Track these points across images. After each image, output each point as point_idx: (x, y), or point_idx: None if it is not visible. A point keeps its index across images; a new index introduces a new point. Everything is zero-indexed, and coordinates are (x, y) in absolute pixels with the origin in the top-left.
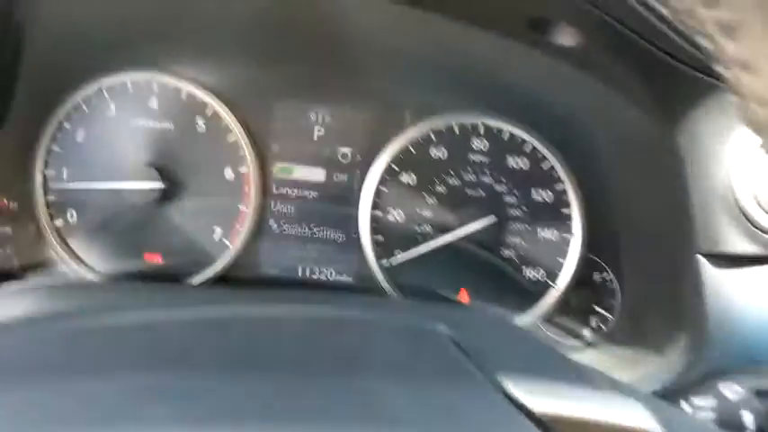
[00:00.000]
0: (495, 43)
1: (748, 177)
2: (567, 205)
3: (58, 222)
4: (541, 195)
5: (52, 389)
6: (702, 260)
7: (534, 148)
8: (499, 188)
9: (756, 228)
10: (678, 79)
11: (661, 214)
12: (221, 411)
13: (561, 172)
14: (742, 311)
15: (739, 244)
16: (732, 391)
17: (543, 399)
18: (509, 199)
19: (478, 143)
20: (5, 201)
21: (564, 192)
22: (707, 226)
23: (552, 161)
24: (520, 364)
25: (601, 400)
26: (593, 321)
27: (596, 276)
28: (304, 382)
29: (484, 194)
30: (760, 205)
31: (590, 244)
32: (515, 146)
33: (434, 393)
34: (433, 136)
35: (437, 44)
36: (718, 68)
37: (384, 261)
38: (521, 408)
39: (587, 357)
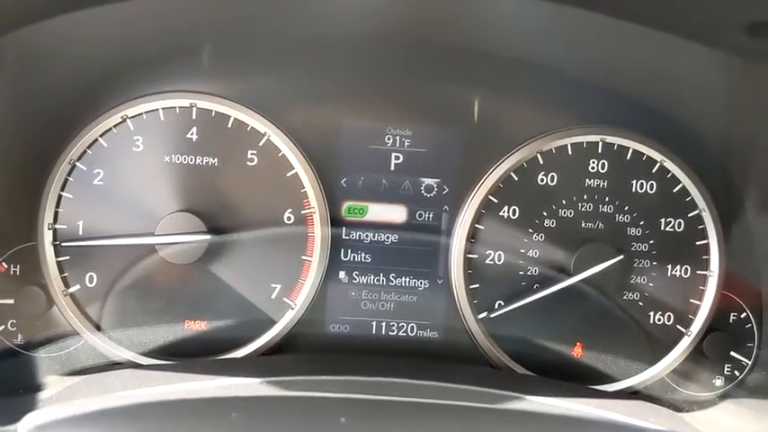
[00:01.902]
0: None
1: None
2: (704, 236)
3: (75, 289)
4: (672, 225)
5: None
6: None
7: (663, 168)
8: (622, 219)
9: None
10: None
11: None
12: None
13: (697, 196)
14: None
15: None
16: None
17: None
18: (633, 231)
19: (596, 165)
20: (4, 265)
21: (699, 220)
22: None
23: (686, 183)
24: None
25: None
26: (727, 369)
27: (732, 317)
28: None
29: (603, 227)
30: None
31: (728, 283)
32: (641, 167)
33: None
34: (540, 159)
35: (589, 51)
36: None
37: (482, 314)
38: None
39: (720, 410)
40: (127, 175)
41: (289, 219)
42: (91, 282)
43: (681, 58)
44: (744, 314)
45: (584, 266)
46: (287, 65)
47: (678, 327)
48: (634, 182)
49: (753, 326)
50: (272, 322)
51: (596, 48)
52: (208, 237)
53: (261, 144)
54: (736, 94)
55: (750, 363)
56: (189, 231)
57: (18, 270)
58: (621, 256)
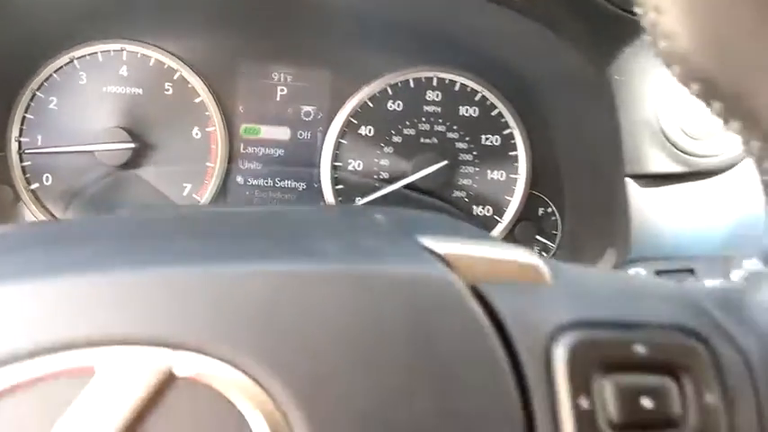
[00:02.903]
0: None
1: (671, 106)
2: (515, 149)
3: (35, 186)
4: (491, 140)
5: None
6: (630, 182)
7: (484, 96)
8: (451, 135)
9: (677, 149)
10: (610, 20)
11: (596, 147)
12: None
13: (509, 118)
14: (662, 224)
15: (663, 164)
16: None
17: (449, 244)
18: (460, 145)
19: (432, 95)
20: None
21: (511, 136)
22: (635, 151)
23: (500, 108)
24: (443, 231)
25: (500, 247)
26: (536, 250)
27: (540, 211)
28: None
29: (437, 142)
30: (681, 130)
31: (534, 182)
32: (466, 96)
33: (358, 240)
34: (389, 90)
35: (391, 2)
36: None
37: None
38: (428, 250)
39: None
40: (74, 101)
41: (197, 134)
42: (47, 181)
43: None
44: (549, 209)
45: (419, 169)
46: (187, 18)
47: (495, 217)
48: (461, 107)
49: (557, 218)
50: None
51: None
52: (132, 145)
53: (174, 78)
54: (529, 36)
55: (555, 246)
56: (119, 141)
57: None
58: (446, 162)
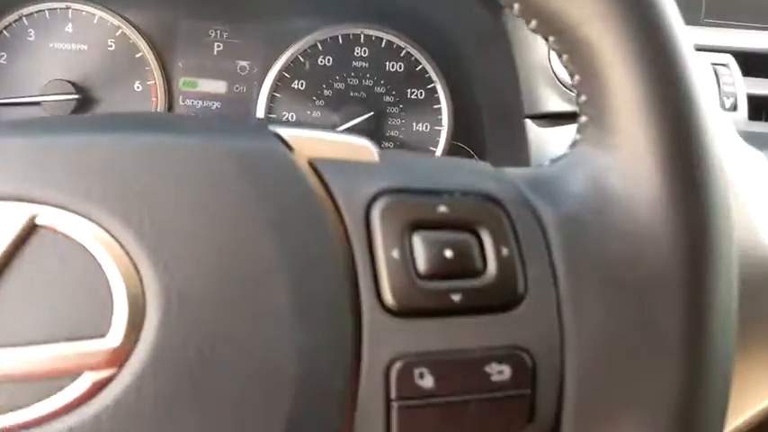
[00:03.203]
0: None
1: None
2: (438, 102)
3: None
4: (416, 94)
5: None
6: (528, 122)
7: (408, 53)
8: (379, 90)
9: (566, 87)
10: None
11: (503, 94)
12: None
13: (432, 73)
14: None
15: (556, 104)
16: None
17: (294, 129)
18: (387, 98)
19: (360, 51)
20: None
21: (435, 90)
22: (531, 93)
23: (424, 64)
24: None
25: (338, 134)
26: None
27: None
28: None
29: (365, 96)
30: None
31: (456, 133)
32: (392, 52)
33: (213, 124)
34: (319, 46)
35: None
36: None
37: None
38: (275, 133)
39: None
40: (23, 56)
41: (138, 87)
42: None
43: None
44: (472, 158)
45: (346, 120)
46: None
47: None
48: (387, 63)
49: None
50: None
51: None
52: (77, 96)
53: (117, 35)
54: None
55: None
56: (64, 93)
57: None
58: (372, 113)
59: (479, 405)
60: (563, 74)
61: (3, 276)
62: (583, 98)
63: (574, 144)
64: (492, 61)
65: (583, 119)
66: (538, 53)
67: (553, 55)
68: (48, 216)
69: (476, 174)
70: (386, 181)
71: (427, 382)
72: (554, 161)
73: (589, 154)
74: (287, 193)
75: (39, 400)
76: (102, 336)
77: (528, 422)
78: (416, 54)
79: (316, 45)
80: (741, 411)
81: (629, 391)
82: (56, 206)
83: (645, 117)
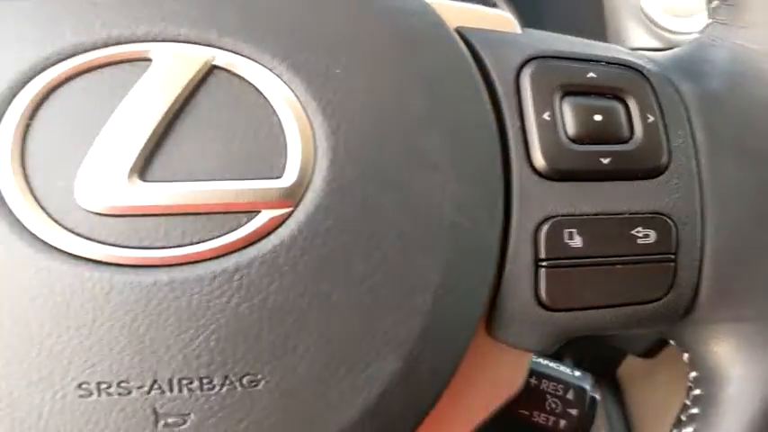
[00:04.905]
0: None
1: None
2: None
3: None
4: None
5: None
6: None
7: None
8: None
9: (655, 25)
10: None
11: (584, 30)
12: None
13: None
14: None
15: (642, 40)
16: None
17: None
18: None
19: None
20: None
21: None
22: (617, 28)
23: (497, 1)
24: None
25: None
26: None
27: None
28: None
29: None
30: (660, 7)
31: None
32: None
33: None
34: None
35: None
36: None
37: None
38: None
39: None
40: None
41: None
42: None
43: None
44: None
45: None
46: None
47: None
48: None
49: None
50: None
51: None
52: None
53: None
54: None
55: None
56: None
57: None
58: None
59: (625, 267)
60: (653, 11)
61: (183, 113)
62: None
63: (704, 28)
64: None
65: (713, 3)
66: None
67: None
68: (224, 58)
69: (616, 50)
70: (533, 48)
71: (576, 242)
72: (686, 44)
73: (723, 33)
74: (442, 55)
75: (218, 235)
76: (279, 176)
77: (669, 289)
78: None
79: None
80: None
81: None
82: (231, 51)
83: None
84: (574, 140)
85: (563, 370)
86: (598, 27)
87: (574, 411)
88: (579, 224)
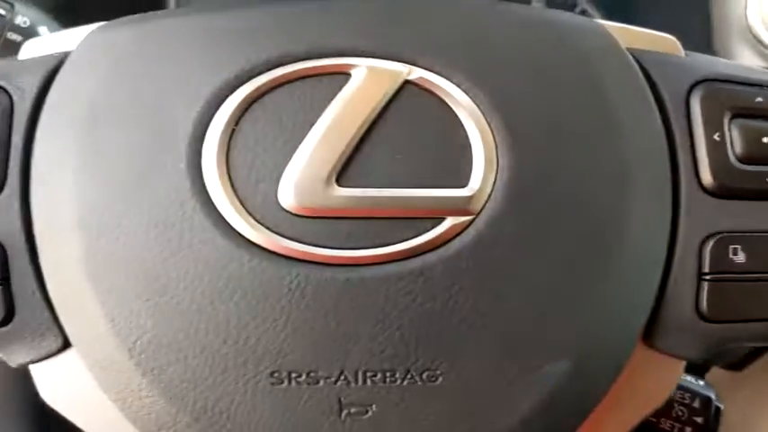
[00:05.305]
0: None
1: (759, 6)
2: None
3: None
4: None
5: None
6: None
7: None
8: None
9: (764, 46)
10: None
11: (690, 46)
12: None
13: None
14: None
15: (750, 59)
16: None
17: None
18: None
19: None
20: None
21: None
22: (725, 47)
23: (593, 13)
24: None
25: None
26: None
27: None
28: None
29: None
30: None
31: None
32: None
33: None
34: None
35: None
36: None
37: None
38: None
39: None
40: None
41: None
42: None
43: None
44: None
45: None
46: None
47: None
48: None
49: None
50: None
51: None
52: None
53: None
54: None
55: None
56: None
57: None
58: None
59: None
60: (759, 29)
61: (377, 124)
62: None
63: None
64: (684, 15)
65: None
66: (735, 5)
67: (750, 9)
68: (417, 74)
69: None
70: (703, 71)
71: (740, 257)
72: None
73: None
74: (617, 74)
75: (405, 239)
76: (463, 185)
77: None
78: (588, 7)
79: None
80: None
81: None
82: (423, 68)
83: None
84: (741, 160)
85: (689, 379)
86: (702, 43)
87: (699, 419)
88: (744, 240)
